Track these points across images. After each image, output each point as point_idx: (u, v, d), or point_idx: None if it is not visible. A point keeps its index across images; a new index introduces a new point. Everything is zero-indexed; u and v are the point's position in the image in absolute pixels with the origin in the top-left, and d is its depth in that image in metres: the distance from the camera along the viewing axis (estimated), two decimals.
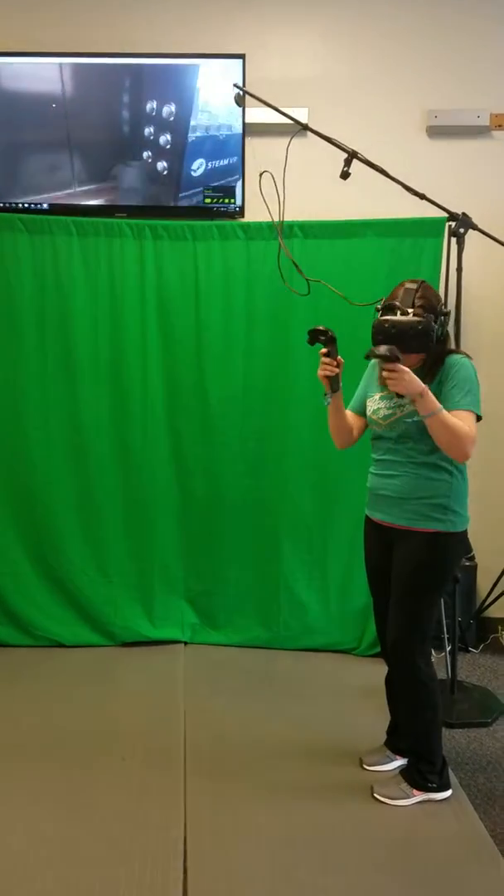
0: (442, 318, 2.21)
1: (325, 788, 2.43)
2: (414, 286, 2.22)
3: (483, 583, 3.47)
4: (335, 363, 2.29)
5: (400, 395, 2.17)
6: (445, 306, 2.26)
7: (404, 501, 2.31)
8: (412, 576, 2.30)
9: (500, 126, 3.44)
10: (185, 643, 3.47)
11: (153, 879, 2.02)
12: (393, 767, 2.54)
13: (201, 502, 3.44)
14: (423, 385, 2.12)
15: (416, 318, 2.14)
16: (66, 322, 3.34)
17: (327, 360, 2.28)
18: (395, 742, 2.55)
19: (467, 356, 2.27)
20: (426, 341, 2.16)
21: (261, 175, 2.54)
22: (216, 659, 3.35)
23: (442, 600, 2.39)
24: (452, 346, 2.32)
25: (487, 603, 3.46)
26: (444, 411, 2.14)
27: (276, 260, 2.73)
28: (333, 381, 2.31)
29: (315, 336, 2.26)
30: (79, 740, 2.69)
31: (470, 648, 3.50)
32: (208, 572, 3.48)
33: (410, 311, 2.17)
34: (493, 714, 2.90)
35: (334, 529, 3.40)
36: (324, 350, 2.28)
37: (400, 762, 2.55)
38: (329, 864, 2.10)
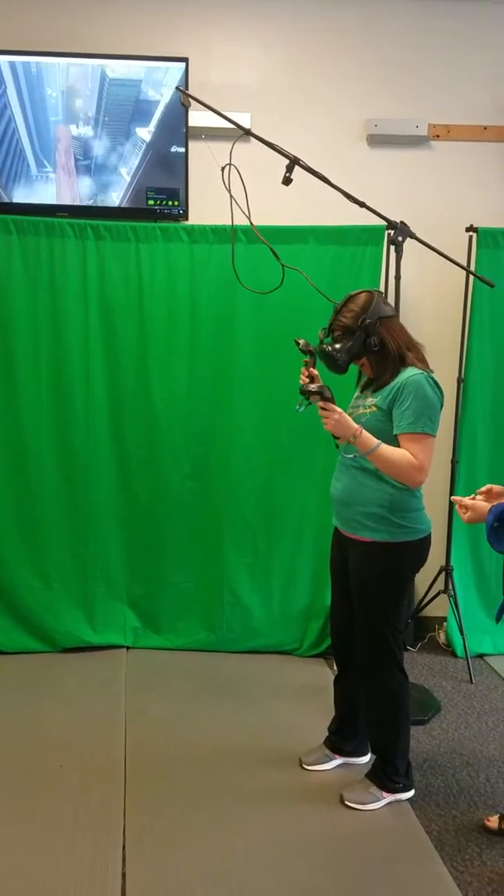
0: (366, 328, 2.24)
1: (264, 791, 2.45)
2: (339, 305, 2.32)
3: (420, 582, 3.55)
4: (306, 374, 2.34)
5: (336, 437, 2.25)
6: (369, 313, 2.26)
7: (345, 507, 2.35)
8: (361, 589, 2.34)
9: (438, 136, 3.52)
10: (128, 648, 3.44)
11: (91, 887, 2.01)
12: (332, 766, 2.58)
13: (144, 505, 3.42)
14: (356, 426, 2.20)
15: (330, 348, 2.27)
16: (5, 322, 3.28)
17: (302, 370, 2.35)
18: (336, 742, 2.59)
19: (425, 368, 2.29)
20: (347, 358, 2.26)
21: (223, 169, 2.57)
22: (158, 663, 3.34)
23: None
24: (409, 343, 2.33)
25: (425, 602, 3.54)
26: (383, 447, 2.19)
27: (231, 260, 2.78)
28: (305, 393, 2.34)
29: (296, 345, 2.36)
30: (17, 748, 2.65)
31: (408, 647, 3.57)
32: (151, 576, 3.46)
33: (332, 337, 2.29)
34: (430, 712, 2.97)
35: (277, 532, 3.43)
36: (305, 359, 2.35)
37: (339, 761, 2.59)
38: (267, 866, 2.11)
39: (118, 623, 3.45)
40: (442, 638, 3.64)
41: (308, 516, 3.40)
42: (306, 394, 2.18)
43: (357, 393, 2.45)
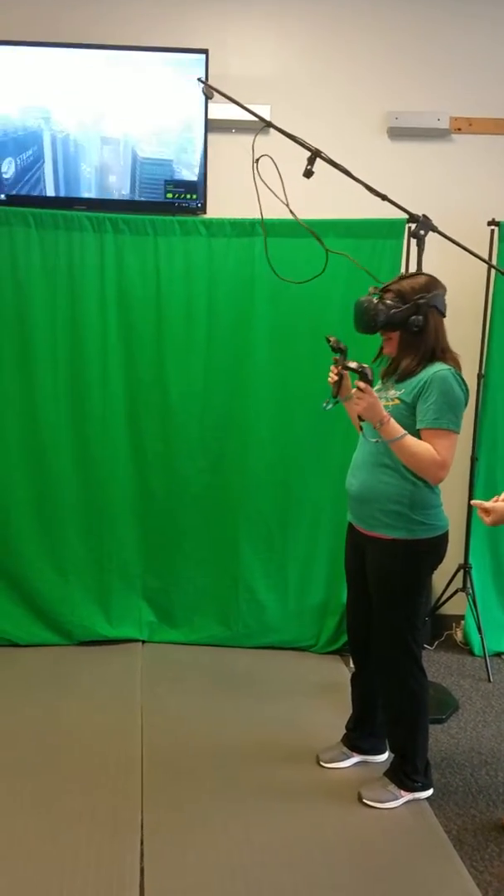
0: (417, 305, 2.21)
1: (282, 788, 2.44)
2: (405, 273, 2.31)
3: (438, 580, 3.52)
4: (336, 371, 2.33)
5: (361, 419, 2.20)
6: (428, 296, 2.23)
7: (363, 504, 2.32)
8: (381, 587, 2.32)
9: (459, 129, 3.48)
10: (143, 642, 3.44)
11: (109, 881, 2.00)
12: (349, 764, 2.56)
13: (160, 499, 3.41)
14: (385, 413, 2.16)
15: (376, 300, 2.21)
16: (22, 316, 3.28)
17: (332, 366, 2.34)
18: (354, 739, 2.57)
19: (455, 365, 2.26)
20: (385, 320, 2.20)
21: (256, 161, 2.56)
22: (174, 658, 3.33)
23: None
24: (446, 346, 2.30)
25: (442, 601, 3.52)
26: (408, 437, 2.17)
27: (265, 253, 2.81)
28: (334, 389, 2.35)
29: (327, 342, 2.35)
30: (33, 741, 2.65)
31: (425, 646, 3.54)
32: (167, 570, 3.45)
33: (381, 296, 2.23)
34: (448, 710, 2.94)
35: (293, 527, 3.41)
36: (335, 357, 2.34)
37: (356, 759, 2.57)
38: (285, 863, 2.10)
39: (134, 617, 3.45)
40: (459, 636, 3.61)
41: (324, 511, 3.38)
42: (347, 368, 2.14)
43: (378, 385, 2.42)
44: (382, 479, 2.27)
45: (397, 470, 2.25)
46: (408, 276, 2.34)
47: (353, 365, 2.16)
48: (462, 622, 3.60)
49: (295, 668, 3.30)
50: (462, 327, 3.37)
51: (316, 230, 3.20)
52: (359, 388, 2.15)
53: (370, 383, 2.16)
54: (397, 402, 2.25)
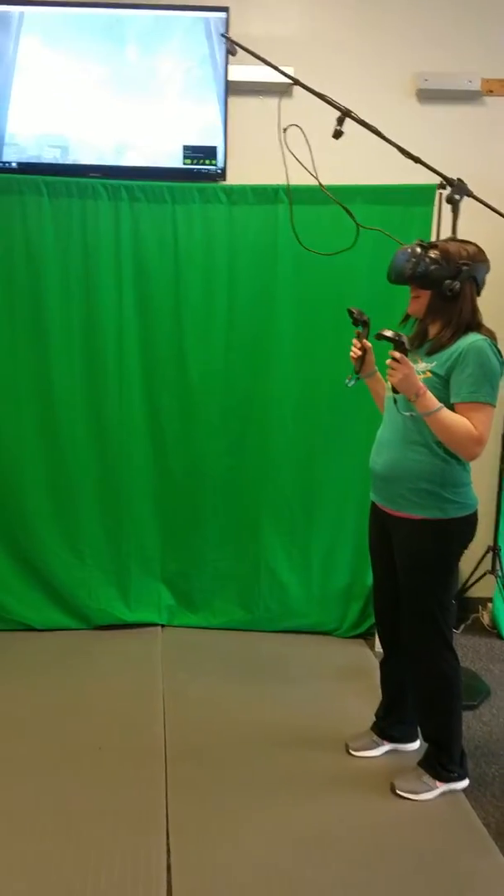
0: (459, 271, 2.08)
1: (310, 777, 2.35)
2: (453, 237, 2.19)
3: (465, 563, 3.41)
4: (359, 346, 2.24)
5: (395, 391, 2.08)
6: (473, 265, 2.11)
7: (390, 483, 2.21)
8: (410, 571, 2.22)
9: (491, 91, 3.31)
10: (162, 626, 3.35)
11: (136, 879, 1.92)
12: (380, 753, 2.47)
13: (179, 480, 3.30)
14: (421, 385, 2.04)
15: (419, 250, 2.08)
16: (36, 289, 3.15)
17: (354, 340, 2.25)
18: (384, 727, 2.48)
19: (489, 335, 2.14)
20: (423, 272, 2.08)
21: (284, 130, 2.46)
22: (194, 642, 3.24)
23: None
24: (480, 320, 2.17)
25: (470, 583, 3.41)
26: (444, 411, 2.05)
27: (290, 222, 2.71)
28: (356, 364, 2.28)
29: (349, 315, 2.26)
30: (52, 729, 2.57)
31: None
32: (186, 553, 3.35)
33: (423, 251, 2.09)
34: (479, 696, 2.85)
35: (317, 508, 3.30)
36: (357, 330, 2.24)
37: (387, 747, 2.48)
38: (317, 858, 2.02)
39: (153, 601, 3.36)
40: (486, 619, 3.51)
41: (349, 492, 3.26)
42: (382, 337, 2.02)
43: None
44: (411, 457, 2.15)
45: (428, 446, 2.13)
46: (458, 239, 2.21)
47: (388, 333, 2.03)
48: (489, 605, 3.49)
49: (319, 652, 3.20)
50: (496, 298, 3.23)
51: (342, 197, 3.07)
52: (394, 358, 2.02)
53: (406, 353, 2.04)
54: (429, 374, 2.13)
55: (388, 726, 2.47)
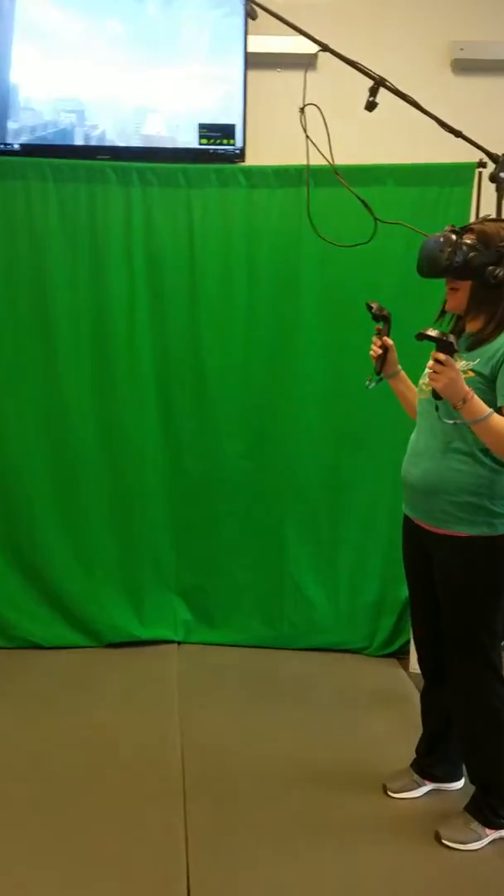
0: (501, 255, 1.82)
1: (344, 822, 2.11)
2: (488, 216, 1.94)
3: None
4: (379, 343, 2.04)
5: (437, 396, 1.83)
6: None
7: (429, 497, 1.96)
8: (455, 594, 1.96)
9: None
10: (179, 643, 3.13)
11: None
12: (421, 794, 2.23)
13: (196, 486, 3.08)
14: (467, 388, 1.77)
15: (455, 236, 1.82)
16: (41, 281, 2.93)
17: (374, 338, 2.04)
18: (426, 765, 2.23)
19: None
20: (461, 262, 1.82)
21: (301, 110, 2.25)
22: (213, 661, 3.02)
23: None
24: None
25: None
26: (495, 417, 1.79)
27: (306, 207, 2.46)
28: (377, 364, 2.07)
29: (368, 310, 2.06)
30: (60, 760, 2.35)
31: None
32: (204, 564, 3.12)
33: (458, 237, 1.83)
34: None
35: (345, 517, 3.06)
36: (377, 326, 2.03)
37: (429, 787, 2.24)
38: None
39: (168, 616, 3.13)
40: None
41: (380, 499, 3.02)
42: (425, 337, 1.77)
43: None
44: (453, 466, 1.90)
45: (472, 454, 1.88)
46: (495, 218, 1.95)
47: (433, 333, 1.76)
48: None
49: (348, 673, 2.96)
50: None
51: (372, 178, 2.84)
52: (437, 361, 1.76)
53: (453, 355, 1.78)
54: (471, 374, 1.87)
55: (431, 765, 2.23)
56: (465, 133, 2.45)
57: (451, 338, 1.76)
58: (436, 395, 1.83)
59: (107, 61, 2.89)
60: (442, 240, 1.84)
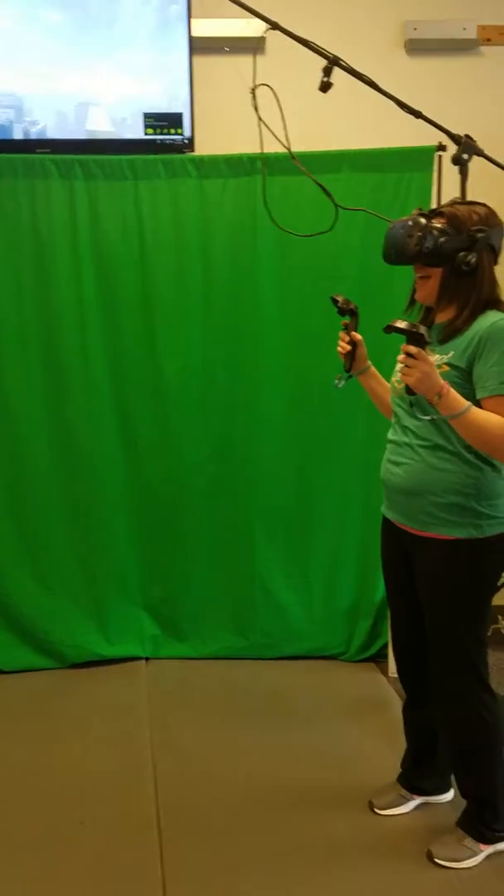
0: (473, 240, 1.72)
1: (330, 843, 2.00)
2: (457, 199, 1.84)
3: None
4: (347, 339, 1.92)
5: (411, 392, 1.72)
6: (489, 231, 1.75)
7: (412, 497, 1.84)
8: (439, 601, 1.86)
9: (489, 40, 2.95)
10: (147, 659, 2.97)
11: None
12: (410, 809, 2.12)
13: (159, 494, 2.93)
14: (443, 382, 1.66)
15: (424, 221, 1.72)
16: None
17: (341, 333, 1.92)
18: (413, 779, 2.13)
19: None
20: (431, 249, 1.71)
21: (252, 91, 2.13)
22: (184, 677, 2.88)
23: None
24: (499, 295, 1.82)
25: None
26: (473, 411, 1.68)
27: (262, 197, 2.36)
28: (346, 361, 1.95)
29: (334, 304, 1.94)
30: (20, 799, 2.18)
31: None
32: (170, 575, 2.98)
33: (427, 221, 1.73)
34: None
35: (316, 519, 2.94)
36: (344, 321, 1.91)
37: (418, 801, 2.14)
38: None
39: (134, 631, 2.98)
40: None
41: (351, 497, 2.91)
42: (394, 329, 1.66)
43: None
44: (438, 466, 1.79)
45: (457, 452, 1.77)
46: (464, 201, 1.84)
47: (402, 325, 1.65)
48: None
49: (325, 681, 2.85)
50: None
51: (327, 165, 2.71)
52: (408, 354, 1.65)
53: (425, 347, 1.66)
54: (446, 368, 1.76)
55: (418, 779, 2.12)
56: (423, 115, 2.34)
57: (423, 329, 1.65)
58: (409, 390, 1.71)
59: (44, 53, 2.71)
60: (410, 224, 1.72)
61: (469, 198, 2.41)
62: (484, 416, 1.69)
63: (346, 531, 2.94)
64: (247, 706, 2.68)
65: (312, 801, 2.16)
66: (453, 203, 1.82)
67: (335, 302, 1.94)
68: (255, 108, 2.16)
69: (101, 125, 2.77)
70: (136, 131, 2.79)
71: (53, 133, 2.76)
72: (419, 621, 1.95)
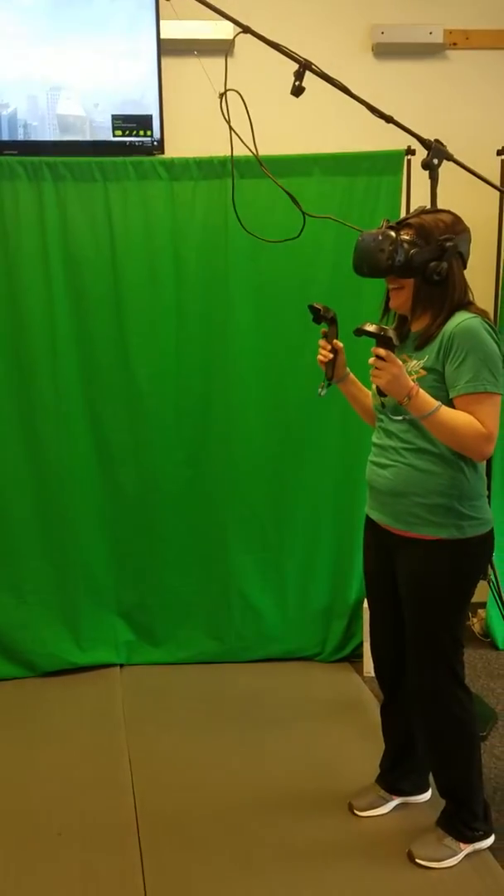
0: (443, 249, 1.75)
1: (311, 846, 2.01)
2: (422, 209, 1.85)
3: None
4: (328, 347, 1.92)
5: (382, 394, 1.75)
6: (456, 238, 1.77)
7: (397, 499, 1.86)
8: (422, 597, 1.87)
9: (455, 44, 2.98)
10: (121, 666, 2.95)
11: None
12: (389, 810, 2.14)
13: (132, 499, 2.90)
14: (412, 384, 1.70)
15: (394, 233, 1.73)
16: None
17: (321, 342, 1.92)
18: (392, 780, 2.14)
19: (481, 313, 1.81)
20: (402, 260, 1.73)
21: (221, 97, 2.11)
22: (159, 683, 2.85)
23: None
24: (471, 298, 1.85)
25: None
26: (444, 410, 1.72)
27: (231, 200, 2.35)
28: (327, 370, 1.95)
29: (311, 312, 1.93)
30: None
31: None
32: (144, 580, 2.95)
33: (396, 234, 1.74)
34: (487, 725, 2.54)
35: (289, 522, 2.94)
36: (323, 329, 1.91)
37: (397, 801, 2.15)
38: None
39: (108, 638, 2.94)
40: (478, 627, 3.22)
41: (325, 501, 2.92)
42: (363, 333, 1.68)
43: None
44: (422, 467, 1.82)
45: (440, 455, 1.80)
46: (429, 210, 1.87)
47: (370, 328, 1.68)
48: (481, 612, 3.21)
49: (301, 683, 2.85)
50: (473, 272, 2.93)
51: (297, 168, 2.72)
52: (378, 357, 1.68)
53: (393, 349, 1.69)
54: (423, 373, 1.79)
55: (397, 779, 2.14)
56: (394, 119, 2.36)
57: (391, 332, 1.68)
58: (380, 392, 1.74)
59: (16, 36, 2.66)
60: (381, 238, 1.74)
61: (439, 202, 2.45)
62: (453, 415, 1.73)
63: (320, 533, 2.94)
64: (223, 710, 2.67)
65: (292, 805, 2.17)
66: (419, 213, 1.84)
67: (315, 310, 1.93)
68: (224, 114, 2.15)
69: (72, 110, 2.73)
70: (105, 133, 2.76)
71: (24, 115, 2.70)
72: (399, 625, 1.96)
